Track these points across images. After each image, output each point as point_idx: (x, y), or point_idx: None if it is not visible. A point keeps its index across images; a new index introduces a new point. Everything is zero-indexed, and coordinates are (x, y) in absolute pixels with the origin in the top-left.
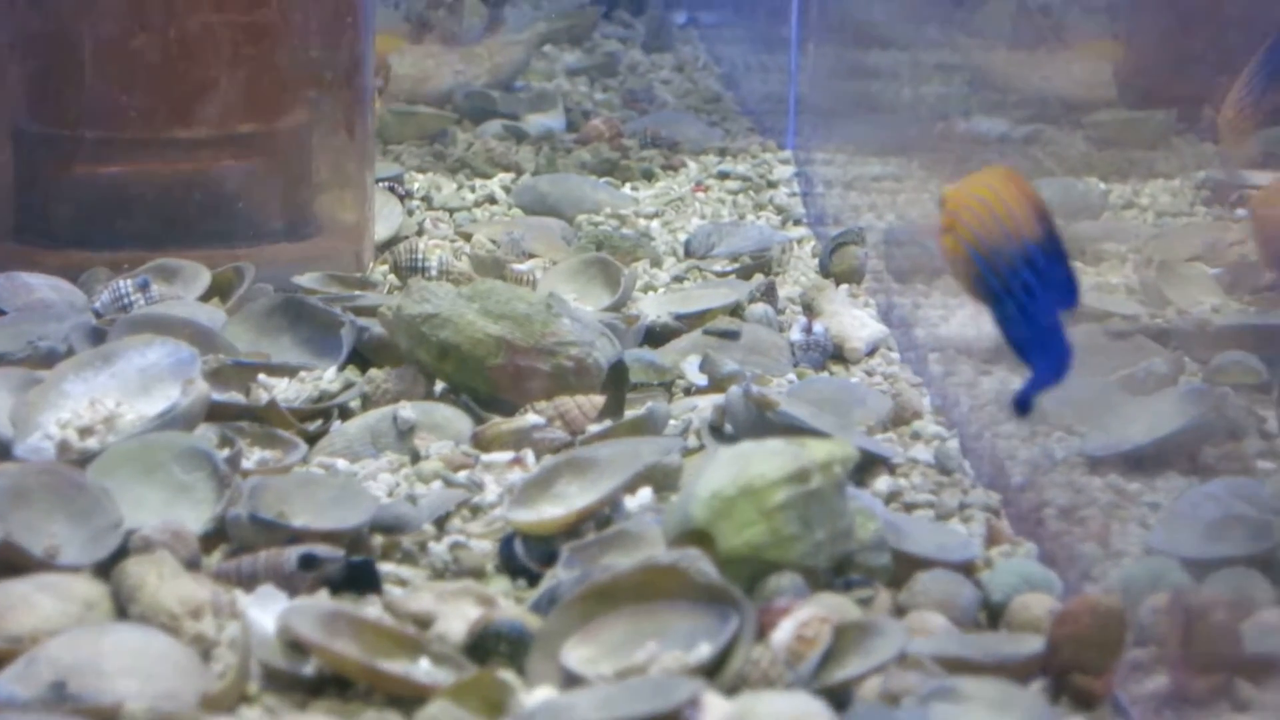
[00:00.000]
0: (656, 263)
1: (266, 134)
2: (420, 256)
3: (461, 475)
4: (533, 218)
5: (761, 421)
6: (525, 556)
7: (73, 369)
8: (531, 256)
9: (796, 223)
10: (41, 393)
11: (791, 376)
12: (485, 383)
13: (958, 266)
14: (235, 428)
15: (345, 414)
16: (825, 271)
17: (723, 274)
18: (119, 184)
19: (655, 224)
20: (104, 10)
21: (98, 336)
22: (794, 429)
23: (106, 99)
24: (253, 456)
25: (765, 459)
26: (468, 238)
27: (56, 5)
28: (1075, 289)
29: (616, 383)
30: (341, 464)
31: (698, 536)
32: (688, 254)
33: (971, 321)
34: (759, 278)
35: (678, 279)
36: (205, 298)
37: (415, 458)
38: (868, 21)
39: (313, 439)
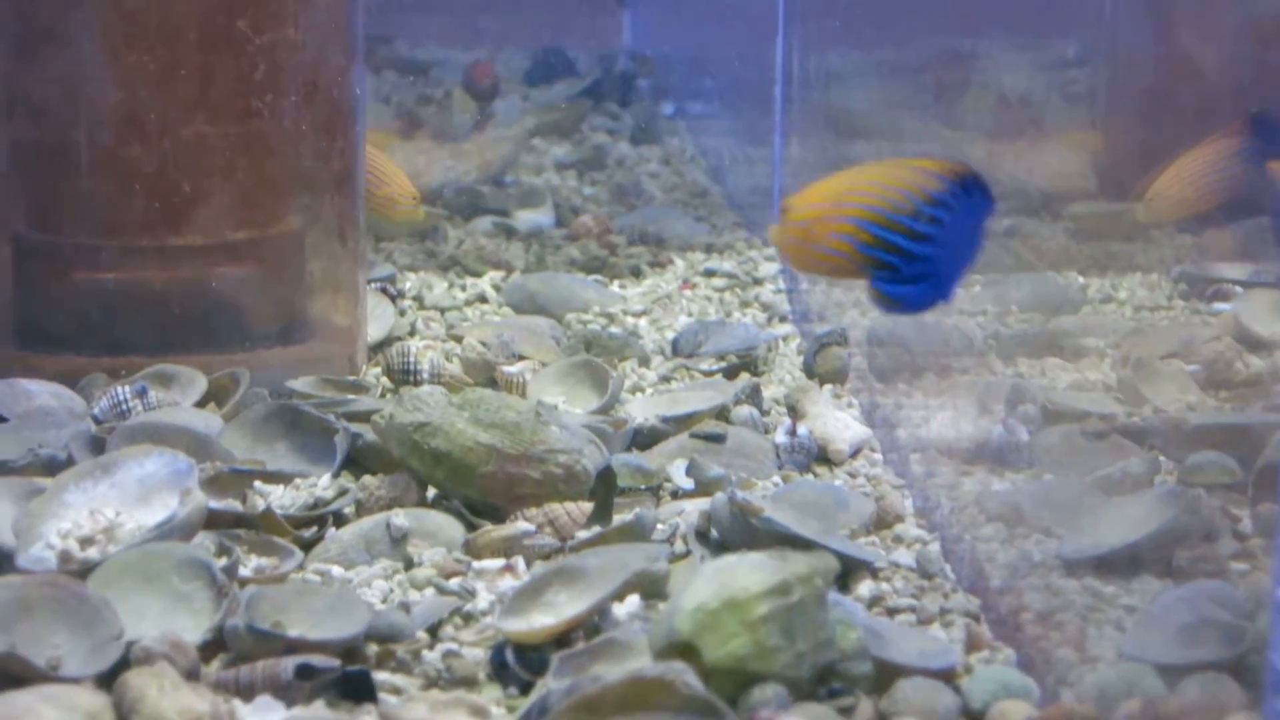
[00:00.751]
0: (644, 362)
1: (261, 240)
2: (412, 360)
3: (454, 582)
4: (523, 317)
5: (747, 528)
6: (516, 665)
7: (73, 479)
8: (521, 358)
9: (782, 320)
10: (43, 503)
11: (777, 479)
12: (476, 490)
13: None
14: (232, 535)
15: (340, 520)
16: (810, 372)
17: (709, 373)
18: (116, 290)
19: (643, 322)
20: (100, 120)
21: (97, 445)
22: (778, 536)
23: (103, 207)
24: (250, 564)
25: (748, 573)
26: (459, 339)
27: (54, 115)
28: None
29: (604, 488)
30: (336, 570)
31: (683, 649)
32: (675, 352)
33: (952, 423)
34: (745, 377)
35: (665, 379)
36: (202, 403)
37: (408, 564)
38: (848, 111)
39: (308, 546)
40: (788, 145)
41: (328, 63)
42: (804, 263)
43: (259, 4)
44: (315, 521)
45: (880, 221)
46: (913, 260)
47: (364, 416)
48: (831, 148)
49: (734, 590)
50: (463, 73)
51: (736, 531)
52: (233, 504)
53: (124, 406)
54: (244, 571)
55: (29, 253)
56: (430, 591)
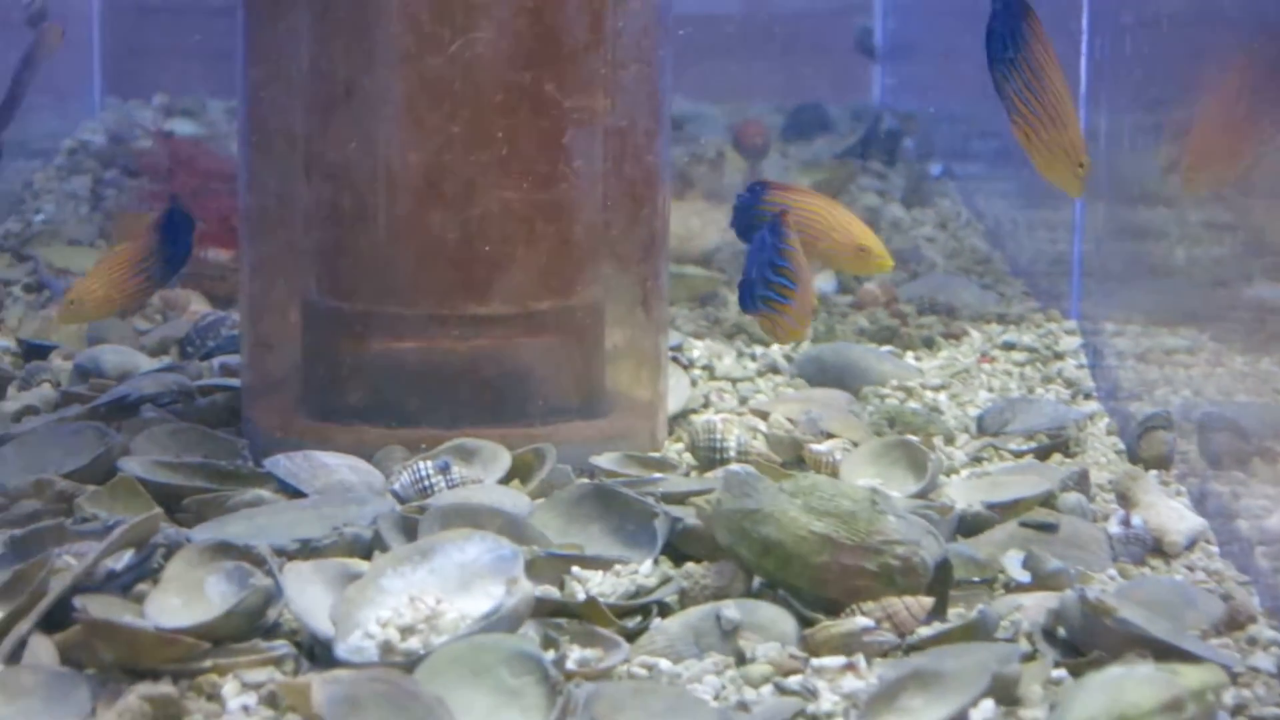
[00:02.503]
0: (950, 440)
1: (563, 310)
2: (719, 437)
3: (793, 681)
4: (817, 390)
5: (1099, 628)
6: None
7: (390, 563)
8: (830, 436)
9: (1087, 397)
10: (360, 589)
11: (1112, 572)
12: (808, 581)
13: None
14: (555, 625)
15: (663, 610)
16: (1133, 456)
17: (1019, 453)
18: (413, 360)
19: (943, 396)
20: (400, 184)
21: (406, 525)
22: (1133, 637)
23: (401, 274)
24: (572, 655)
25: (1137, 687)
26: (763, 415)
27: (352, 177)
28: None
29: (941, 582)
30: (664, 664)
31: None
32: (980, 430)
33: None
34: (1058, 458)
35: (976, 459)
36: (505, 480)
37: (740, 659)
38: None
39: (632, 636)
40: (1090, 210)
41: (635, 128)
42: None
43: (567, 66)
44: (639, 611)
45: None
46: None
47: (677, 499)
48: (1139, 214)
49: (1124, 706)
50: (730, 130)
51: (1087, 632)
52: (550, 590)
53: (426, 483)
54: (568, 664)
55: (321, 320)
56: (768, 690)
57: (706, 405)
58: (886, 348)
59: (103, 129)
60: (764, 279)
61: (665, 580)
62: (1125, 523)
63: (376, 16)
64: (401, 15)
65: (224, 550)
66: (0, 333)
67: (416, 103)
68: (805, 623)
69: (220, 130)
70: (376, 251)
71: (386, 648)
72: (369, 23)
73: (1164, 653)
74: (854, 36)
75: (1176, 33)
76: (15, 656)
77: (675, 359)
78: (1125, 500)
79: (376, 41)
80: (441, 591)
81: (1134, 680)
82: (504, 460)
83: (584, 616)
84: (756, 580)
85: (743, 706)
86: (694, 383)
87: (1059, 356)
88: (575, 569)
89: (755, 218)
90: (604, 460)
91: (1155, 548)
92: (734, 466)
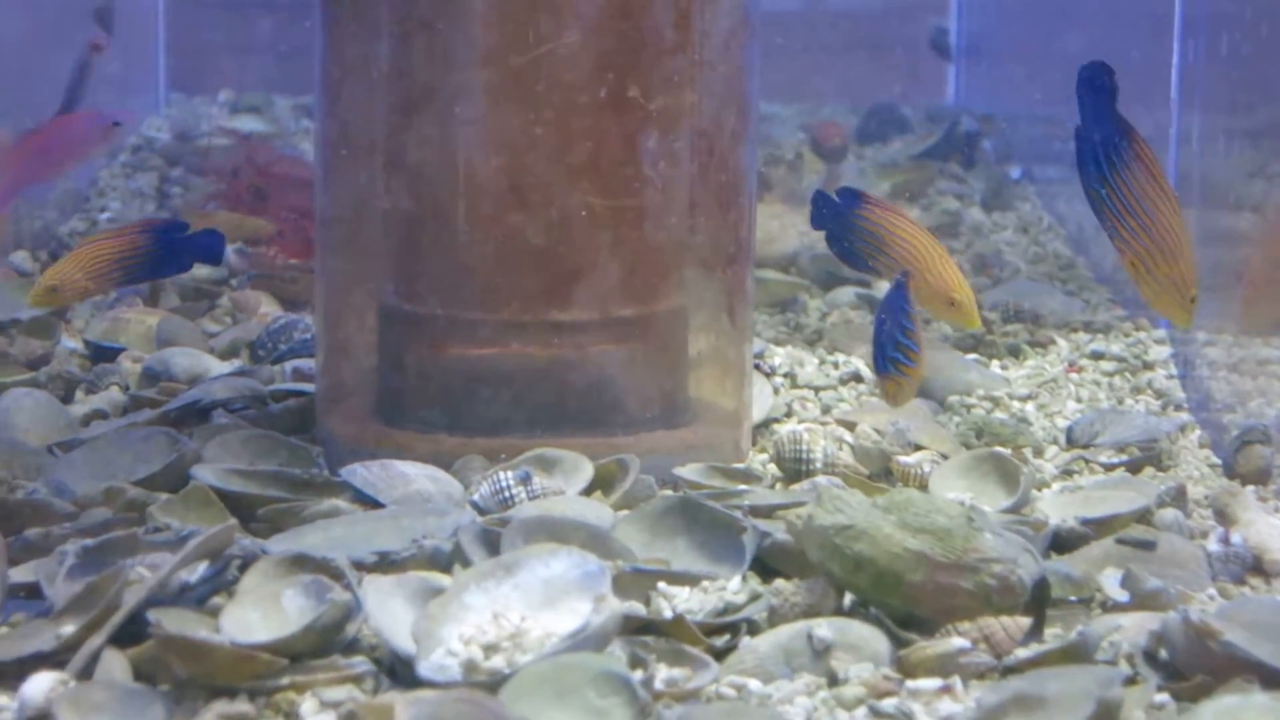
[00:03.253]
0: (1039, 452)
1: (647, 317)
2: (805, 449)
3: (888, 704)
4: None
5: (1204, 651)
6: None
7: (474, 579)
8: (918, 448)
9: (1177, 408)
10: (443, 604)
11: (1212, 592)
12: (901, 599)
13: None
14: (642, 643)
15: (752, 628)
16: (1230, 471)
17: (1110, 466)
18: (493, 367)
19: (1030, 407)
20: (481, 187)
21: (487, 538)
22: (1239, 662)
23: (481, 279)
24: (660, 675)
25: (1257, 717)
26: (850, 426)
27: (432, 180)
28: None
29: (1039, 601)
30: (754, 685)
31: None
32: (1070, 442)
33: None
34: (1150, 472)
35: (1066, 472)
36: (587, 491)
37: (832, 680)
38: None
39: (720, 655)
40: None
41: (722, 131)
42: None
43: (654, 67)
44: (727, 629)
45: None
46: None
47: (764, 511)
48: (1242, 220)
49: None
50: (806, 131)
51: (1190, 655)
52: (636, 607)
53: (506, 494)
54: (656, 684)
55: (399, 325)
56: (862, 712)
57: (789, 414)
58: (972, 356)
59: (168, 125)
60: (894, 341)
61: (754, 597)
62: (1224, 540)
63: (459, 17)
64: (484, 15)
65: (301, 563)
66: (68, 334)
67: (499, 104)
68: (899, 643)
69: (287, 128)
70: (456, 256)
71: (470, 666)
72: (451, 23)
73: (1271, 678)
74: (929, 35)
75: (1275, 35)
76: (88, 672)
77: (757, 366)
78: (1223, 517)
79: (458, 42)
80: (526, 608)
81: (1252, 710)
82: (586, 471)
83: (671, 634)
84: (848, 598)
85: None
86: (776, 391)
87: (1148, 366)
88: (661, 585)
89: (848, 229)
90: (688, 471)
91: (1255, 566)
92: (820, 479)
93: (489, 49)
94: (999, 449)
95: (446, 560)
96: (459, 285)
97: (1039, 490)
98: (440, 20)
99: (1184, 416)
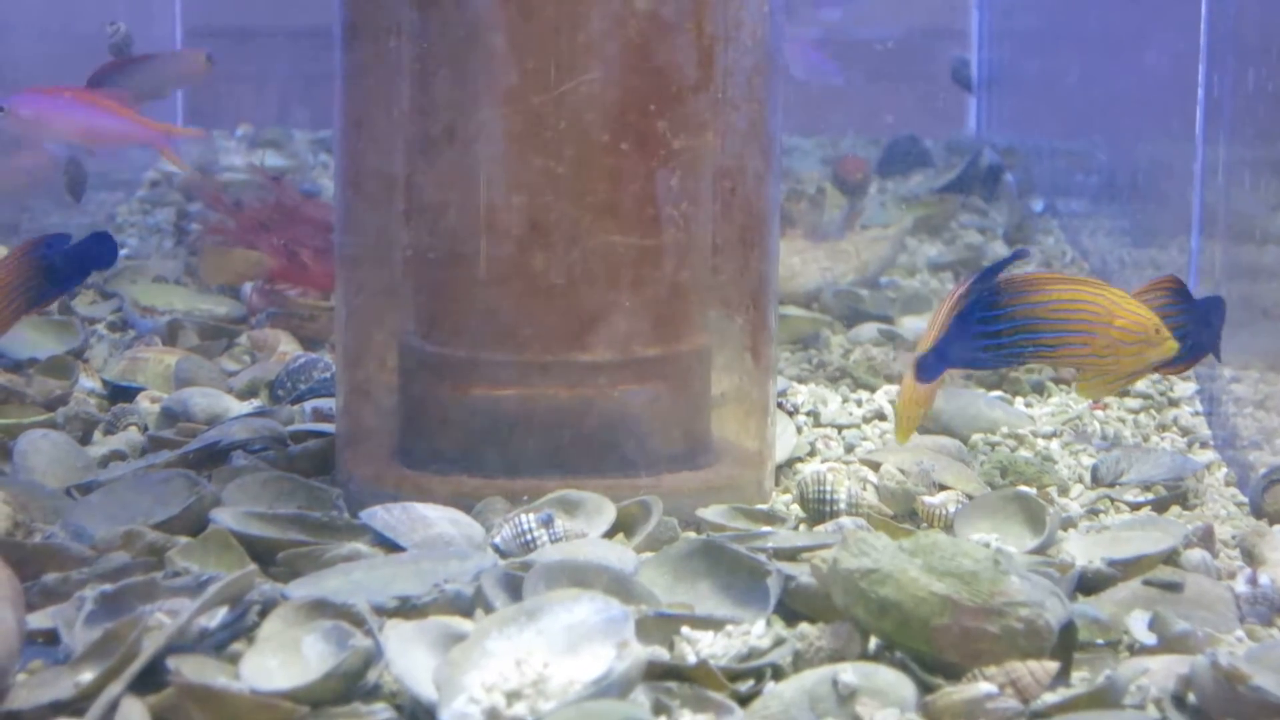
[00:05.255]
0: (1064, 491)
1: (670, 357)
2: (829, 489)
3: None
4: (926, 437)
5: (1231, 695)
6: None
7: (496, 625)
8: (943, 488)
9: (1203, 446)
10: (465, 651)
11: (1240, 634)
12: (927, 644)
13: None
14: (665, 689)
15: (777, 673)
16: (1258, 511)
17: (1136, 505)
18: (515, 408)
19: (1054, 444)
20: (503, 228)
21: (509, 582)
22: (1270, 706)
23: (503, 319)
24: None
25: None
26: (874, 466)
27: (453, 219)
28: None
29: (1066, 645)
30: None
31: None
32: (1095, 481)
33: None
34: (1176, 510)
35: (1092, 512)
36: (610, 533)
37: None
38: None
39: (744, 700)
40: (1206, 249)
41: (745, 170)
42: None
43: (677, 105)
44: (752, 674)
45: None
46: None
47: (788, 554)
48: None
49: None
50: (828, 165)
51: (1219, 699)
52: (660, 652)
53: (528, 537)
54: None
55: (419, 365)
56: None
57: (812, 453)
58: (995, 393)
59: (186, 160)
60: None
61: (779, 642)
62: (1253, 581)
63: (480, 55)
64: (506, 53)
65: (321, 608)
66: (85, 373)
67: (520, 143)
68: (925, 688)
69: (305, 162)
70: (477, 296)
71: (493, 714)
72: (472, 61)
73: None
74: (950, 67)
75: None
76: (106, 719)
77: (780, 405)
78: (1251, 557)
79: (480, 80)
80: (549, 654)
81: None
82: (608, 513)
83: (695, 680)
84: (874, 642)
85: None
86: (799, 430)
87: (1174, 403)
88: (685, 629)
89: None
90: (710, 513)
91: None
92: (845, 520)
93: (510, 88)
94: (1024, 489)
95: (468, 605)
96: (480, 325)
97: (1065, 530)
98: (461, 59)
99: (1210, 455)
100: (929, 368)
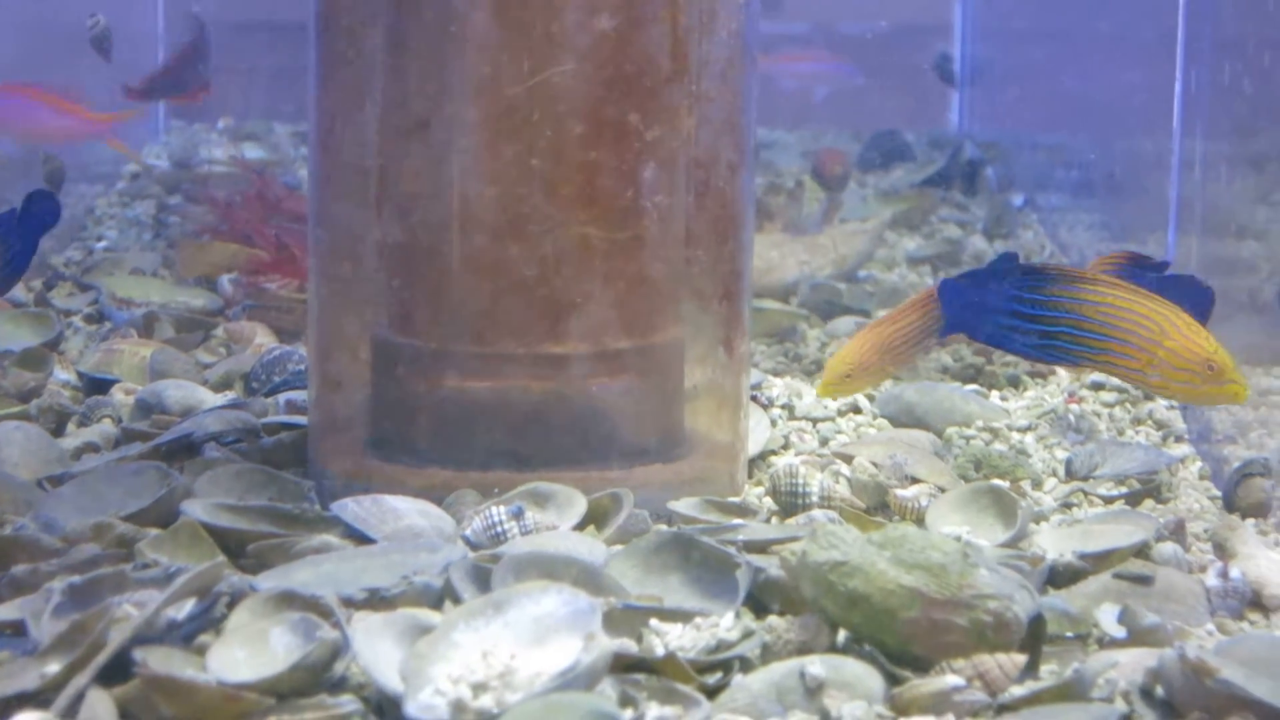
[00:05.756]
0: (1037, 484)
1: (643, 350)
2: (801, 482)
3: None
4: (901, 430)
5: (1200, 689)
6: None
7: (463, 617)
8: (915, 481)
9: (1178, 439)
10: (431, 643)
11: (1210, 627)
12: (895, 636)
13: None
14: (633, 681)
15: (745, 666)
16: (1230, 505)
17: (1109, 499)
18: (487, 401)
19: (1029, 438)
20: (475, 220)
21: (479, 574)
22: (1237, 699)
23: (475, 311)
24: (651, 714)
25: None
26: (847, 459)
27: (425, 211)
28: None
29: (1035, 638)
30: None
31: None
32: (1069, 474)
33: None
34: (1149, 504)
35: (1065, 505)
36: (580, 525)
37: (825, 717)
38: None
39: (712, 693)
40: (1182, 243)
41: (719, 162)
42: None
43: (651, 96)
44: (720, 666)
45: None
46: None
47: (759, 546)
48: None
49: None
50: (808, 158)
51: (1188, 692)
52: (628, 644)
53: (499, 529)
54: None
55: (391, 357)
56: None
57: (786, 446)
58: (971, 387)
59: (166, 154)
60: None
61: (747, 634)
62: (1223, 575)
63: (453, 47)
64: (478, 46)
65: (289, 600)
66: (60, 365)
67: (493, 135)
68: (893, 680)
69: (286, 155)
70: (450, 288)
71: (458, 706)
72: (445, 53)
73: (1268, 716)
74: (933, 62)
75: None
76: (72, 711)
77: (755, 398)
78: (1222, 551)
79: (452, 72)
80: (516, 646)
81: None
82: (579, 505)
83: (663, 672)
84: (842, 635)
85: None
86: (774, 423)
87: (1149, 398)
88: (653, 621)
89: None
90: (682, 506)
91: (1254, 601)
92: (817, 513)
93: (483, 79)
94: (997, 482)
95: (437, 597)
96: (452, 318)
97: (1037, 524)
98: (435, 51)
99: (1184, 448)
100: (949, 323)
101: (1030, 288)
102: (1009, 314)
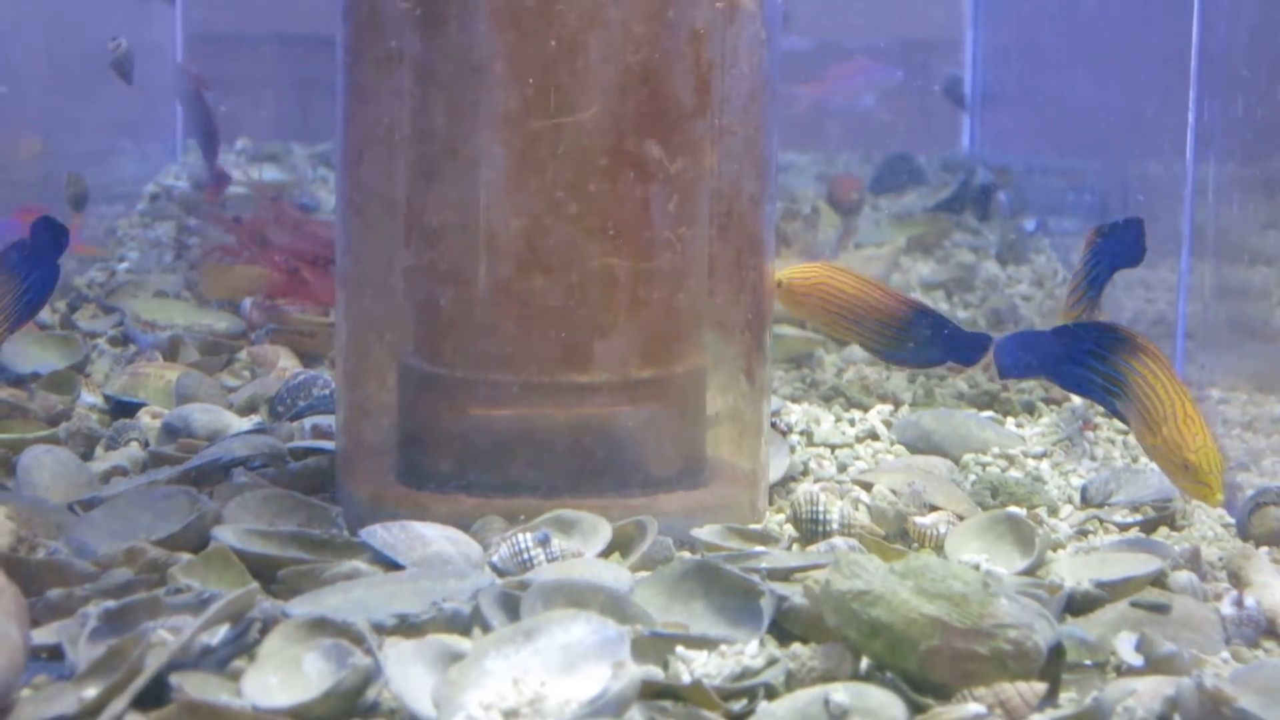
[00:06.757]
0: (1053, 511)
1: (664, 379)
2: (821, 510)
3: None
4: (918, 457)
5: (1216, 717)
6: None
7: (493, 644)
8: (933, 508)
9: None
10: (463, 670)
11: (1226, 656)
12: (917, 665)
13: None
14: (659, 708)
15: (770, 693)
16: (1244, 533)
17: (1124, 526)
18: (512, 428)
19: (1045, 465)
20: (502, 250)
21: (506, 601)
22: None
23: (502, 340)
24: None
25: None
26: (867, 486)
27: (452, 241)
28: None
29: (1054, 666)
30: None
31: None
32: (1084, 502)
33: None
34: (1164, 531)
35: (1081, 532)
36: (605, 552)
37: None
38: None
39: None
40: (1196, 270)
41: (741, 194)
42: None
43: (674, 129)
44: (745, 694)
45: None
46: None
47: (781, 574)
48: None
49: None
50: (823, 183)
51: None
52: (654, 671)
53: (525, 556)
54: None
55: (419, 385)
56: None
57: (805, 473)
58: (987, 413)
59: (185, 174)
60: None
61: (772, 661)
62: (1238, 604)
63: (480, 79)
64: (505, 79)
65: (322, 626)
66: (87, 388)
67: (520, 166)
68: (915, 708)
69: (304, 176)
70: (476, 317)
71: None
72: (473, 85)
73: None
74: (943, 84)
75: None
76: None
77: (774, 424)
78: (1237, 580)
79: (480, 104)
80: (546, 674)
81: None
82: (604, 532)
83: (689, 699)
84: (865, 662)
85: None
86: (793, 449)
87: None
88: (680, 649)
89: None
90: (705, 533)
91: (1269, 630)
92: (837, 540)
93: (510, 112)
94: (1014, 510)
95: (466, 623)
96: (479, 346)
97: (1054, 551)
98: (462, 84)
99: None
100: (1008, 362)
101: (1102, 342)
102: (1081, 352)
